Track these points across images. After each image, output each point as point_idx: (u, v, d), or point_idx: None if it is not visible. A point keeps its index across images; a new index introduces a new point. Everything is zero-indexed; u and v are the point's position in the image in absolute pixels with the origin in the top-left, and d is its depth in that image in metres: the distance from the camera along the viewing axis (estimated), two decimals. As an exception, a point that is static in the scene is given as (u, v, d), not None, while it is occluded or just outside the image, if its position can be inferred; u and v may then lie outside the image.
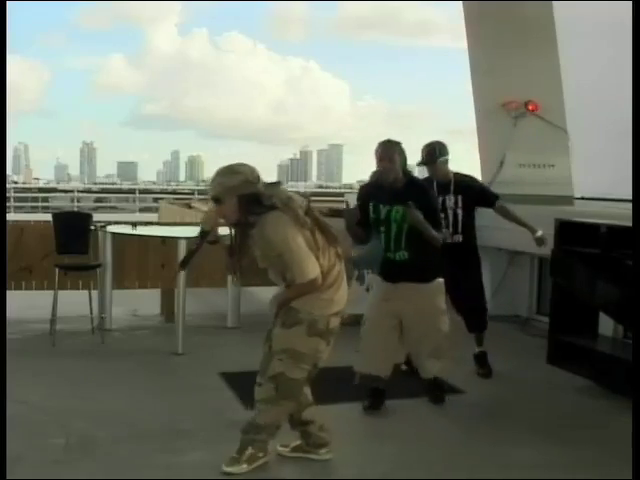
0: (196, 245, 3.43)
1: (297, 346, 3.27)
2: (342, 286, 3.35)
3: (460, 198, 4.94)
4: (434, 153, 4.88)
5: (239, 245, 3.34)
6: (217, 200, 3.26)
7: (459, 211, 4.95)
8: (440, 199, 4.74)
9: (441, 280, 4.30)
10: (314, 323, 3.26)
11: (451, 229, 4.94)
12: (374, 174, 4.32)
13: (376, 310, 4.31)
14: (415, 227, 4.11)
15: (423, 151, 4.93)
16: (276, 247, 3.17)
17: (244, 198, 3.18)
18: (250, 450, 3.36)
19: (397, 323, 4.28)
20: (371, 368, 4.30)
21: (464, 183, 5.00)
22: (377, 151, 4.22)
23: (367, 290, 5.42)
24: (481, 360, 5.12)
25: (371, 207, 4.25)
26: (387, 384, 4.31)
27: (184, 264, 3.51)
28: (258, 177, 3.24)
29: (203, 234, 3.37)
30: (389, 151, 4.19)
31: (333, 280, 3.29)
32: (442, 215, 4.57)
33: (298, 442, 3.59)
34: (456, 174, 5.00)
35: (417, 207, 4.08)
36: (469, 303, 5.02)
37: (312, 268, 3.17)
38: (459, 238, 4.97)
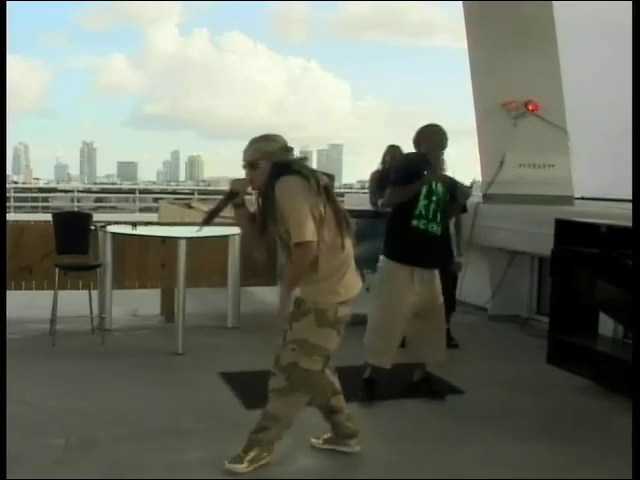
0: (221, 203, 3.41)
1: (309, 337, 3.26)
2: (347, 275, 3.32)
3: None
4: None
5: (263, 212, 3.33)
6: (252, 165, 3.30)
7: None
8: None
9: None
10: (322, 313, 3.25)
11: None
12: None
13: (398, 308, 4.35)
14: (447, 203, 4.47)
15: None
16: (283, 205, 3.17)
17: (277, 165, 3.25)
18: (255, 451, 3.36)
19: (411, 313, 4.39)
20: (382, 361, 4.39)
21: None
22: (434, 132, 4.52)
23: (367, 290, 5.46)
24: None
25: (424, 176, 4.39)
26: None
27: (207, 221, 3.51)
28: (292, 147, 3.37)
29: (231, 194, 3.36)
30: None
31: (335, 269, 3.26)
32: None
33: (329, 435, 3.63)
34: None
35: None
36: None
37: (310, 232, 3.13)
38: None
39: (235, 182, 3.37)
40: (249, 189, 3.39)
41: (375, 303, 4.46)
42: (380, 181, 6.63)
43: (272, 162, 3.26)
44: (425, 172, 4.33)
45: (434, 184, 4.40)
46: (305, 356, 3.28)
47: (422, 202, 4.36)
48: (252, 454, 3.35)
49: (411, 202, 4.35)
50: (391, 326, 4.37)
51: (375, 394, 4.43)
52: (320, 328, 3.26)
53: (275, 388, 3.34)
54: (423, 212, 4.36)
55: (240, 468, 3.32)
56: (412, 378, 4.62)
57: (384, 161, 6.75)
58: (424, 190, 4.37)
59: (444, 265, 5.35)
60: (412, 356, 4.56)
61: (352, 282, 3.35)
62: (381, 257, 4.53)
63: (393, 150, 6.63)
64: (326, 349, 3.32)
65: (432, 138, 4.48)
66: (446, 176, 4.50)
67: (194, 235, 6.14)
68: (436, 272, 4.47)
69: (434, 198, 4.40)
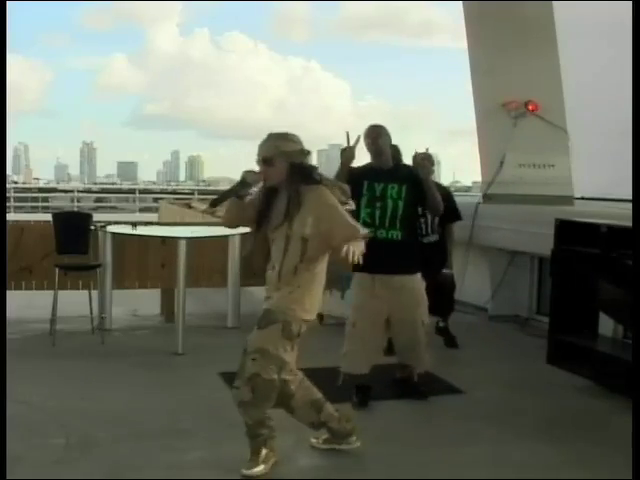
0: (231, 190, 3.43)
1: (269, 346, 3.27)
2: (318, 294, 3.37)
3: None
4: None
5: (269, 209, 3.36)
6: (267, 161, 3.31)
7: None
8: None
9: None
10: (288, 325, 3.27)
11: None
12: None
13: (363, 310, 4.35)
14: (408, 206, 4.31)
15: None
16: (330, 211, 3.27)
17: (297, 166, 3.29)
18: (263, 450, 3.36)
19: (384, 320, 4.34)
20: (354, 368, 4.36)
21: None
22: (368, 134, 4.41)
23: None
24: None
25: (365, 185, 4.33)
26: (370, 379, 4.39)
27: (215, 203, 3.57)
28: (309, 151, 3.40)
29: (243, 184, 3.36)
30: (379, 133, 4.43)
31: (315, 283, 3.33)
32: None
33: (327, 435, 3.63)
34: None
35: (411, 187, 4.32)
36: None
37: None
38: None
39: (249, 174, 3.36)
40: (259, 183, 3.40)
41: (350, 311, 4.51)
42: None
43: (289, 162, 3.28)
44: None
45: (381, 189, 4.32)
46: (266, 366, 3.28)
47: (365, 210, 4.30)
48: (263, 454, 3.35)
49: (356, 212, 4.23)
50: (360, 331, 4.33)
51: (369, 398, 4.39)
52: (284, 340, 3.28)
53: (241, 401, 3.34)
54: (368, 220, 4.26)
55: (259, 470, 3.32)
56: (395, 375, 4.64)
57: None
58: (365, 198, 4.31)
59: (438, 268, 5.50)
60: (400, 359, 4.57)
61: (319, 302, 3.40)
62: None
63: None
64: (284, 362, 3.32)
65: (365, 141, 4.46)
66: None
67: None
68: (411, 278, 4.35)
69: (380, 204, 4.31)
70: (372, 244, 3.97)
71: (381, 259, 4.14)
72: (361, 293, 4.40)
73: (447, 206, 4.78)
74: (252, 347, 3.31)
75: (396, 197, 4.32)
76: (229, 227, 3.70)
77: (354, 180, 4.23)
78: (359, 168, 4.47)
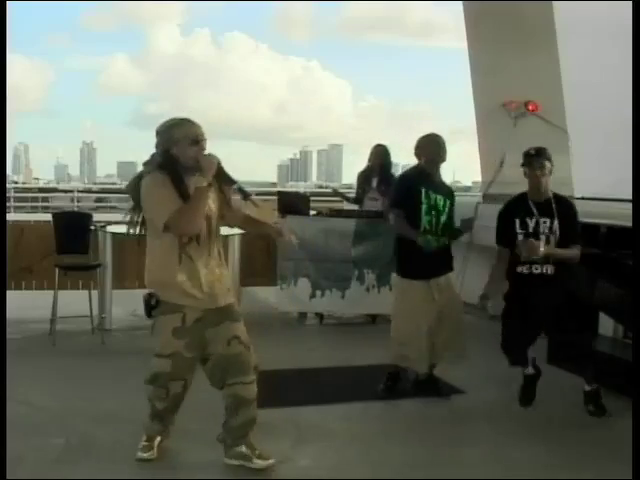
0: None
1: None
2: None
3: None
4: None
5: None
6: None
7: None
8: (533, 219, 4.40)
9: None
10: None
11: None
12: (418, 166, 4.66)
13: (416, 313, 4.50)
14: (449, 216, 4.63)
15: (441, 145, 4.68)
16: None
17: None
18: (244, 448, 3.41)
19: (435, 319, 4.53)
20: (421, 367, 4.60)
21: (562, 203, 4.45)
22: (436, 142, 4.62)
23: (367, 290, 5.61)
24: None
25: (423, 193, 4.51)
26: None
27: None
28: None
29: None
30: (444, 144, 4.69)
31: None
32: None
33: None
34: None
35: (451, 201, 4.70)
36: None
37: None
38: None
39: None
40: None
41: (395, 318, 4.68)
42: (363, 179, 7.00)
43: None
44: (423, 189, 4.51)
45: (433, 197, 4.55)
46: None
47: (425, 218, 4.52)
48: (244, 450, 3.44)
49: (414, 221, 4.49)
50: (414, 334, 4.49)
51: (396, 389, 4.60)
52: None
53: (254, 396, 3.39)
54: (427, 227, 4.51)
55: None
56: (417, 377, 4.66)
57: (369, 160, 6.98)
58: (425, 206, 4.51)
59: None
60: (437, 357, 4.65)
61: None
62: (395, 276, 4.82)
63: (378, 149, 6.91)
64: None
65: (431, 149, 4.58)
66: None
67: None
68: (450, 275, 4.69)
69: (435, 212, 4.55)
70: (423, 252, 4.38)
71: (429, 265, 4.48)
72: (415, 301, 4.52)
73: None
74: (246, 337, 3.34)
75: (442, 205, 4.59)
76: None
77: (408, 184, 4.56)
78: (413, 171, 4.66)
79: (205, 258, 3.33)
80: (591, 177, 7.23)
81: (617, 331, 5.26)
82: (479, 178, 7.59)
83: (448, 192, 4.70)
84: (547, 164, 4.28)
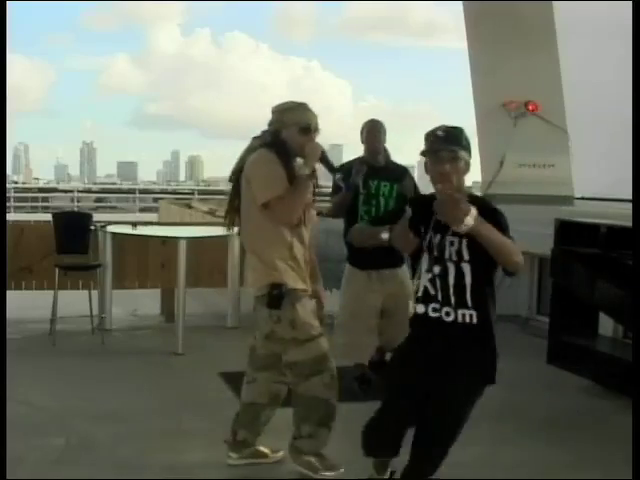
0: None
1: None
2: None
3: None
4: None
5: None
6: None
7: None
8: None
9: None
10: None
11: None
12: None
13: (358, 303, 4.43)
14: (398, 204, 4.17)
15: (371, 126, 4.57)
16: None
17: None
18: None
19: (378, 311, 4.43)
20: (361, 358, 4.50)
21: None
22: (370, 129, 4.47)
23: None
24: None
25: (360, 183, 4.34)
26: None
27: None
28: None
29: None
30: (380, 129, 4.49)
31: None
32: None
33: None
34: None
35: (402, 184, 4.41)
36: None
37: None
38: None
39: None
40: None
41: (340, 306, 4.58)
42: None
43: None
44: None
45: (375, 186, 4.38)
46: None
47: (362, 208, 4.38)
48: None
49: (352, 210, 4.35)
50: (353, 323, 4.43)
51: (370, 386, 4.48)
52: None
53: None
54: (365, 217, 4.30)
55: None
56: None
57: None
58: (362, 195, 4.36)
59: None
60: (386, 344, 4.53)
61: None
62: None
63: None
64: None
65: (366, 136, 4.50)
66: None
67: (194, 235, 6.16)
68: (399, 270, 4.42)
69: (375, 201, 4.39)
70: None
71: (376, 255, 4.01)
72: (353, 287, 4.48)
73: None
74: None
75: (388, 195, 4.39)
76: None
77: (340, 176, 4.28)
78: (349, 163, 4.49)
79: (304, 259, 3.29)
80: (591, 177, 7.23)
81: (617, 331, 5.26)
82: (479, 178, 7.58)
83: (396, 177, 4.44)
84: (461, 154, 2.64)
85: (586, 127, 7.21)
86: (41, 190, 28.45)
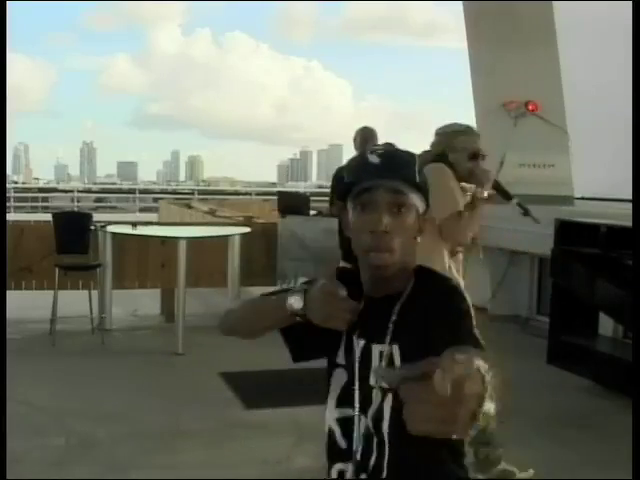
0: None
1: None
2: None
3: None
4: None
5: None
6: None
7: None
8: None
9: None
10: None
11: None
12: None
13: None
14: None
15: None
16: None
17: None
18: None
19: None
20: None
21: None
22: (363, 136, 4.61)
23: None
24: None
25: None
26: None
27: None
28: None
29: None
30: (373, 136, 4.66)
31: None
32: None
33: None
34: None
35: None
36: None
37: None
38: None
39: None
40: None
41: None
42: None
43: None
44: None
45: None
46: None
47: None
48: None
49: None
50: None
51: None
52: None
53: None
54: None
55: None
56: None
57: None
58: None
59: None
60: None
61: None
62: None
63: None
64: None
65: (359, 143, 4.63)
66: None
67: (194, 235, 6.16)
68: None
69: None
70: None
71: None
72: None
73: None
74: None
75: None
76: None
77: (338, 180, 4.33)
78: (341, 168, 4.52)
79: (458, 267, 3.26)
80: (591, 177, 7.24)
81: (617, 331, 5.26)
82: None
83: None
84: (412, 197, 1.47)
85: (586, 127, 7.22)
86: (41, 190, 28.45)
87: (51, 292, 5.86)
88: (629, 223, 4.18)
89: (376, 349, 1.43)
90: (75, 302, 6.08)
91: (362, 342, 1.44)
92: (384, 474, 1.44)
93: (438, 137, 3.26)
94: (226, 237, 6.24)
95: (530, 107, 7.22)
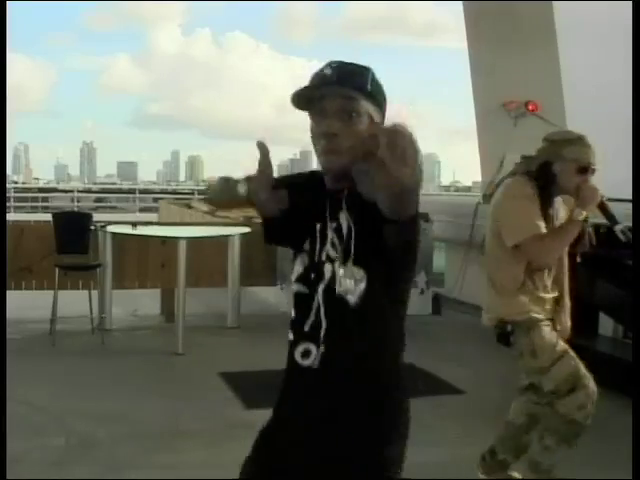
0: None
1: None
2: None
3: None
4: None
5: None
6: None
7: None
8: None
9: None
10: None
11: None
12: None
13: None
14: None
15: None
16: None
17: None
18: None
19: None
20: None
21: None
22: None
23: None
24: None
25: None
26: None
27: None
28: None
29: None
30: None
31: None
32: None
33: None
34: None
35: None
36: None
37: None
38: None
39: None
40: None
41: None
42: None
43: None
44: None
45: None
46: None
47: None
48: None
49: None
50: None
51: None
52: None
53: None
54: None
55: None
56: None
57: None
58: None
59: None
60: None
61: None
62: None
63: None
64: None
65: None
66: None
67: (194, 235, 6.16)
68: None
69: None
70: None
71: None
72: None
73: None
74: None
75: None
76: None
77: None
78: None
79: (544, 288, 3.15)
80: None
81: (617, 331, 5.26)
82: (479, 178, 7.59)
83: None
84: (363, 104, 1.55)
85: (586, 127, 7.20)
86: (41, 190, 28.45)
87: (51, 292, 5.86)
88: (629, 223, 4.18)
89: (331, 227, 1.62)
90: (75, 302, 6.08)
91: (319, 225, 1.63)
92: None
93: (545, 143, 3.09)
94: (226, 237, 6.24)
95: (530, 107, 7.22)
